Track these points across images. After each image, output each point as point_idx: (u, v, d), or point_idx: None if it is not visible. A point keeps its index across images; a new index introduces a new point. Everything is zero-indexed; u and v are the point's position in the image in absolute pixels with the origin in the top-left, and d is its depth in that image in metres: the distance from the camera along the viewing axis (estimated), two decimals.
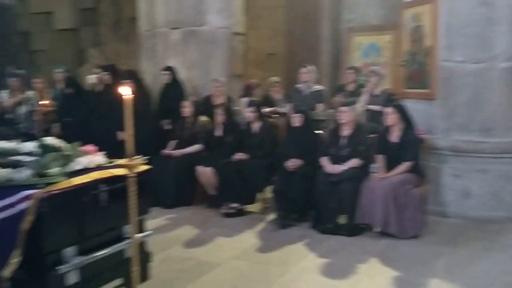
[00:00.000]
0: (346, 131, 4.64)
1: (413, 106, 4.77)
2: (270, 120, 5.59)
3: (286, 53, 8.22)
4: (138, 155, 2.45)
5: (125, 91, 2.33)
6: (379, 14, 7.51)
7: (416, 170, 4.41)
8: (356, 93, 5.81)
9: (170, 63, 6.16)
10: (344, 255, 3.94)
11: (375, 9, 7.52)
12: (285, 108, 5.80)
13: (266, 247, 4.15)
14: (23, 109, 6.45)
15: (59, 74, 6.81)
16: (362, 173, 4.46)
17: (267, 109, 5.83)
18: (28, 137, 4.97)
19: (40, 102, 6.85)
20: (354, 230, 4.36)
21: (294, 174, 4.65)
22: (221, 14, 6.29)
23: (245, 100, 5.88)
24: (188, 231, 4.55)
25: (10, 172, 2.38)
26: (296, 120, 4.85)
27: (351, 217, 4.34)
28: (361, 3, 7.69)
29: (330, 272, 3.61)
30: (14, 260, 2.21)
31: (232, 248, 4.10)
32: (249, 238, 4.37)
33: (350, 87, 6.16)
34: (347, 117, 4.59)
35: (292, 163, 4.68)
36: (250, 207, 5.11)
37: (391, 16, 7.01)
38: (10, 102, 6.40)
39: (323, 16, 7.91)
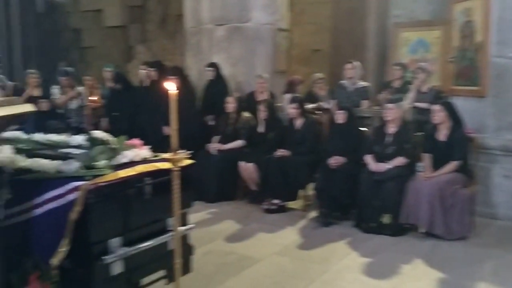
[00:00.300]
0: (391, 129, 4.55)
1: (462, 104, 4.62)
2: (313, 116, 5.54)
3: (331, 49, 8.12)
4: (182, 149, 2.48)
5: (170, 87, 2.37)
6: (427, 9, 7.31)
7: (464, 170, 4.28)
8: (402, 90, 5.67)
9: (215, 59, 6.21)
10: (387, 255, 3.87)
11: (423, 4, 7.32)
12: (329, 105, 5.74)
13: (307, 244, 4.13)
14: (73, 104, 6.68)
15: (108, 72, 7.01)
16: (407, 172, 4.37)
17: (311, 106, 5.78)
18: (78, 131, 5.17)
19: (89, 98, 7.08)
20: (398, 230, 4.28)
21: (336, 171, 4.60)
22: (265, 10, 6.29)
23: (288, 96, 5.85)
24: (230, 226, 4.59)
25: (60, 164, 2.46)
26: (340, 116, 4.79)
27: (395, 216, 4.26)
28: None
29: (373, 271, 3.55)
30: (63, 249, 2.29)
31: (273, 244, 4.11)
32: (290, 235, 4.37)
33: (396, 83, 6.03)
34: (393, 114, 4.50)
35: (335, 161, 4.63)
36: (291, 204, 5.09)
37: (440, 11, 6.80)
38: (62, 99, 6.65)
39: (369, 12, 7.76)
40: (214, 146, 5.55)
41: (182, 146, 2.48)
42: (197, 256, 3.15)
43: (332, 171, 4.62)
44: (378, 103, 5.82)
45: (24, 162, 2.50)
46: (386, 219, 4.29)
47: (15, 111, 2.35)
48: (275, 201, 4.99)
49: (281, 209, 5.00)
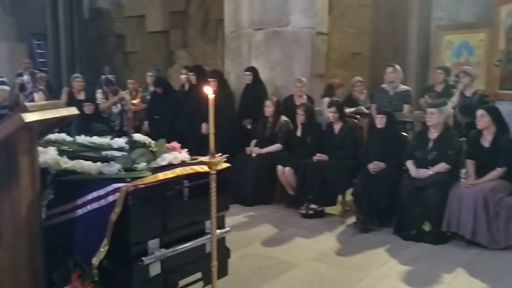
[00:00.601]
0: (433, 134, 4.44)
1: (507, 109, 4.46)
2: (353, 120, 5.48)
3: (371, 53, 8.01)
4: (220, 153, 2.50)
5: (209, 91, 2.39)
6: (472, 11, 7.11)
7: (510, 177, 4.12)
8: (445, 94, 5.54)
9: (253, 63, 6.24)
10: (428, 263, 3.77)
11: (467, 7, 7.13)
12: (369, 109, 5.66)
13: (345, 250, 4.08)
14: (116, 108, 6.86)
15: (150, 77, 7.18)
16: (450, 178, 4.25)
17: (350, 110, 5.71)
18: (120, 134, 5.30)
19: (132, 101, 7.27)
20: (439, 238, 4.16)
21: (376, 177, 4.53)
22: (304, 14, 6.26)
23: (326, 100, 5.81)
24: (267, 230, 4.58)
25: (102, 166, 2.53)
26: (380, 121, 4.71)
27: (436, 224, 4.15)
28: (452, 0, 7.33)
29: (413, 280, 3.47)
30: (103, 249, 2.35)
31: (310, 249, 4.07)
32: (328, 240, 4.32)
33: (439, 88, 5.89)
34: (435, 119, 4.39)
35: (375, 166, 4.56)
36: (329, 209, 5.04)
37: (485, 13, 6.61)
38: (105, 104, 6.86)
39: (411, 14, 7.63)
40: (252, 150, 5.56)
41: (220, 149, 2.50)
42: (234, 260, 3.17)
43: (372, 176, 4.54)
44: (420, 107, 5.69)
45: (67, 163, 2.58)
46: (427, 226, 4.18)
47: (59, 114, 2.42)
48: (313, 206, 4.95)
49: (319, 214, 4.95)
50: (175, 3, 10.37)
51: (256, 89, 6.07)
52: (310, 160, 5.02)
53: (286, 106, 5.85)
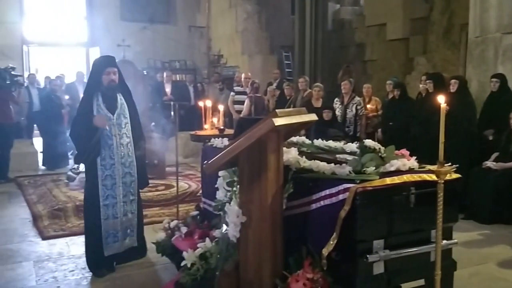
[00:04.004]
0: None
1: None
2: None
3: None
4: (453, 163, 2.48)
5: (441, 99, 2.42)
6: None
7: None
8: None
9: (500, 70, 5.79)
10: None
11: None
12: None
13: None
14: (351, 113, 7.17)
15: (389, 85, 7.30)
16: None
17: None
18: (353, 139, 5.58)
19: (367, 106, 7.50)
20: None
21: None
22: None
23: None
24: (503, 251, 4.25)
25: (335, 167, 2.78)
26: None
27: None
28: None
29: None
30: (332, 242, 2.59)
31: None
32: None
33: None
34: None
35: None
36: None
37: None
38: (341, 109, 7.27)
39: None
40: (493, 163, 5.17)
41: (454, 159, 2.47)
42: (463, 275, 3.09)
43: None
44: None
45: (306, 163, 2.90)
46: None
47: (301, 120, 2.78)
48: None
49: None
50: (417, 10, 10.22)
51: (502, 97, 5.63)
52: None
53: None
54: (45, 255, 4.42)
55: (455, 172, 2.69)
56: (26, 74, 11.40)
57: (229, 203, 2.98)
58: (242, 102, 8.50)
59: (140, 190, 4.20)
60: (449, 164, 2.44)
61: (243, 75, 9.25)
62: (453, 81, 5.82)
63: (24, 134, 9.71)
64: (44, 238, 4.89)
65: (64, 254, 4.44)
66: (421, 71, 9.17)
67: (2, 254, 4.42)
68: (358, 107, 7.14)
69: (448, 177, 2.54)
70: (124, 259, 4.11)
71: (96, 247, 3.93)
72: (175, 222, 4.02)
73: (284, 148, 3.01)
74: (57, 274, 3.98)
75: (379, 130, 7.10)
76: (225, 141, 3.78)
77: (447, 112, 4.95)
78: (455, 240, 2.86)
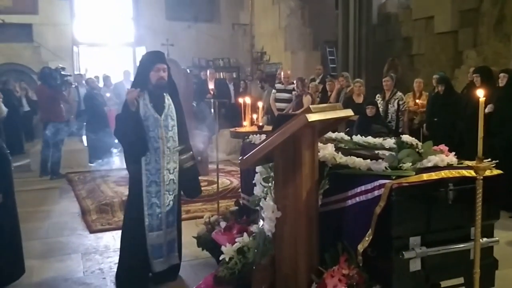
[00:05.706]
0: None
1: None
2: None
3: None
4: (503, 160, 2.40)
5: (480, 93, 2.36)
6: None
7: None
8: None
9: None
10: None
11: None
12: None
13: None
14: (392, 109, 7.03)
15: (435, 79, 7.11)
16: None
17: None
18: (396, 135, 5.48)
19: (418, 101, 7.33)
20: None
21: None
22: None
23: None
24: None
25: (371, 163, 2.76)
26: None
27: None
28: None
29: None
30: (367, 238, 2.58)
31: None
32: None
33: None
34: None
35: None
36: None
37: None
38: (382, 105, 7.14)
39: None
40: None
41: (498, 156, 2.40)
42: (508, 276, 2.98)
43: None
44: None
45: (341, 159, 2.89)
46: None
47: (336, 115, 2.77)
48: None
49: None
50: (466, 1, 9.87)
51: None
52: None
53: None
54: (93, 248, 4.61)
55: (496, 168, 2.61)
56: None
57: (265, 198, 3.01)
58: (283, 100, 8.50)
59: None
60: (489, 160, 2.37)
61: (282, 73, 9.21)
62: (502, 74, 5.61)
63: (74, 131, 10.14)
64: (92, 231, 5.10)
65: (110, 247, 4.61)
66: (470, 65, 8.85)
67: (53, 247, 4.64)
68: (400, 102, 7.00)
69: (488, 173, 2.47)
70: (160, 278, 3.69)
71: (137, 261, 3.57)
72: (215, 217, 4.09)
73: (320, 144, 3.02)
74: (103, 266, 4.14)
75: (424, 125, 6.93)
76: (263, 137, 3.81)
77: (494, 108, 4.82)
78: (496, 238, 2.78)
